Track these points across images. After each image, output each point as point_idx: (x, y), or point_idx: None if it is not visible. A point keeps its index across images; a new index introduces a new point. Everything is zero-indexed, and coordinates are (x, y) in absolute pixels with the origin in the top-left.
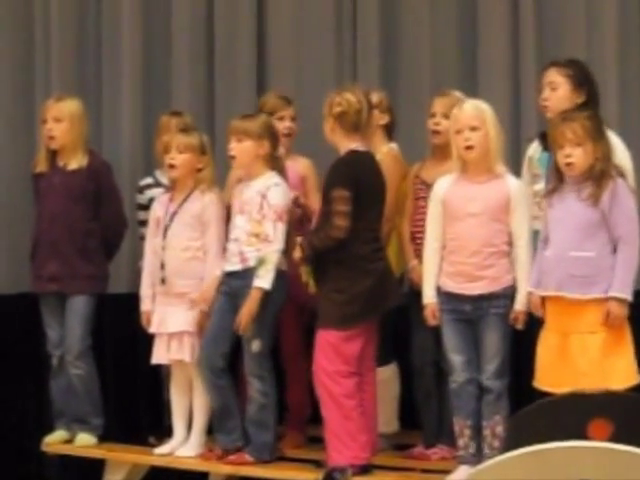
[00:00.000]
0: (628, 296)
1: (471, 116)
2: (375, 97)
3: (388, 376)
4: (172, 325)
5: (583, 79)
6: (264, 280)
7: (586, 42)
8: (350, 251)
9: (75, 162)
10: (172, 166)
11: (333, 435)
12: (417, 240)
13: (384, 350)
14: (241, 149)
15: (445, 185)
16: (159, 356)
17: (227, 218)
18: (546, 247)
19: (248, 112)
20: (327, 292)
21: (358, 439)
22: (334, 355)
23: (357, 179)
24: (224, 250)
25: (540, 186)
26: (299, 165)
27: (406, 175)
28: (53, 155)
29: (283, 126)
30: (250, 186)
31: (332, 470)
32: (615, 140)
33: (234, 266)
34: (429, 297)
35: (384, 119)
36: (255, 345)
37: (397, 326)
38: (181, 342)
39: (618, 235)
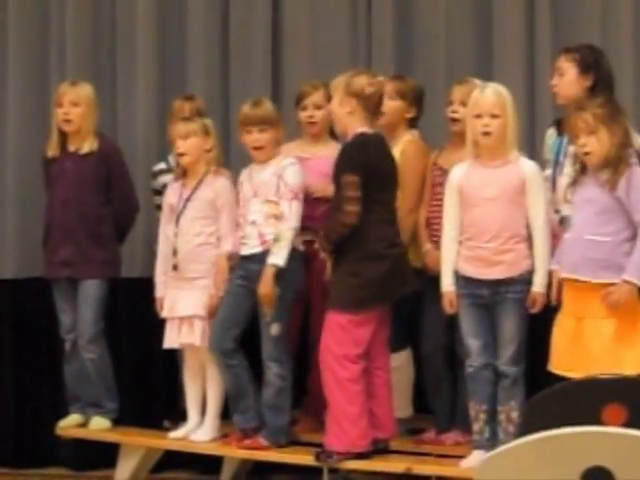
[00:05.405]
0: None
1: (493, 103)
2: (402, 85)
3: (403, 361)
4: (182, 309)
5: (591, 63)
6: (277, 257)
7: (601, 27)
8: (366, 235)
9: (87, 146)
10: (181, 154)
11: (334, 421)
12: (433, 225)
13: (399, 336)
14: (268, 139)
15: (460, 173)
16: (170, 340)
17: None
18: (568, 230)
19: (264, 96)
20: (341, 275)
21: (359, 425)
22: (343, 338)
23: (366, 163)
24: (239, 231)
25: (549, 172)
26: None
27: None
28: (64, 140)
29: (304, 115)
30: (263, 169)
31: (323, 453)
32: None
33: (253, 249)
34: (447, 285)
35: (410, 112)
36: (274, 329)
37: (412, 312)
38: (191, 326)
39: (637, 221)
